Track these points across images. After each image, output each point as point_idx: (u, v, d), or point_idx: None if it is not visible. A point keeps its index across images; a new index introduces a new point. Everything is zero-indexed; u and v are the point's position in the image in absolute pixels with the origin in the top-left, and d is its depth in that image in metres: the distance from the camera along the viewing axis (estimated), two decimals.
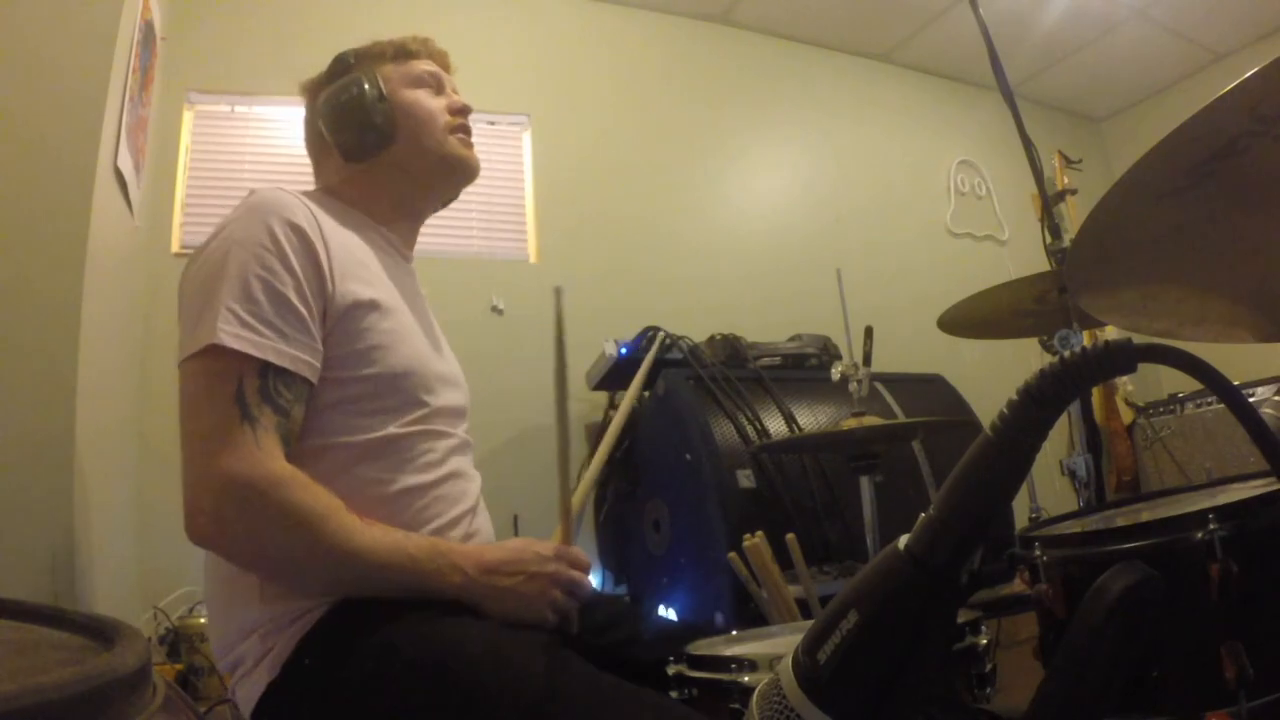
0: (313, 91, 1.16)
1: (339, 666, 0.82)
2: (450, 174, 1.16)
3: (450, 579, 0.88)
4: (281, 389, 0.88)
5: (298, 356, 0.89)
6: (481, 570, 0.90)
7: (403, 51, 1.16)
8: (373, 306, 0.97)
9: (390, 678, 0.80)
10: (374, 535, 0.86)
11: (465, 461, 1.07)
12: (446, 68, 1.21)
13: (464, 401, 1.13)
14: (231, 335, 0.85)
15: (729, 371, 2.17)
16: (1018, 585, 1.77)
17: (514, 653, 0.81)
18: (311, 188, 1.16)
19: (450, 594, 0.87)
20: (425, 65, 1.17)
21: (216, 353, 0.85)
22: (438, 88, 1.17)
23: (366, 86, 1.10)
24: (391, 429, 0.95)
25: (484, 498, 1.10)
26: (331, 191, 1.14)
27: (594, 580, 1.06)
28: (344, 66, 1.14)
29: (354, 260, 0.99)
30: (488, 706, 0.76)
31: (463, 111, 1.16)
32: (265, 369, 0.86)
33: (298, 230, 0.93)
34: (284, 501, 0.83)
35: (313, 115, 1.16)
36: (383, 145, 1.11)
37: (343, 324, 0.94)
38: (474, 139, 1.18)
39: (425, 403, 0.99)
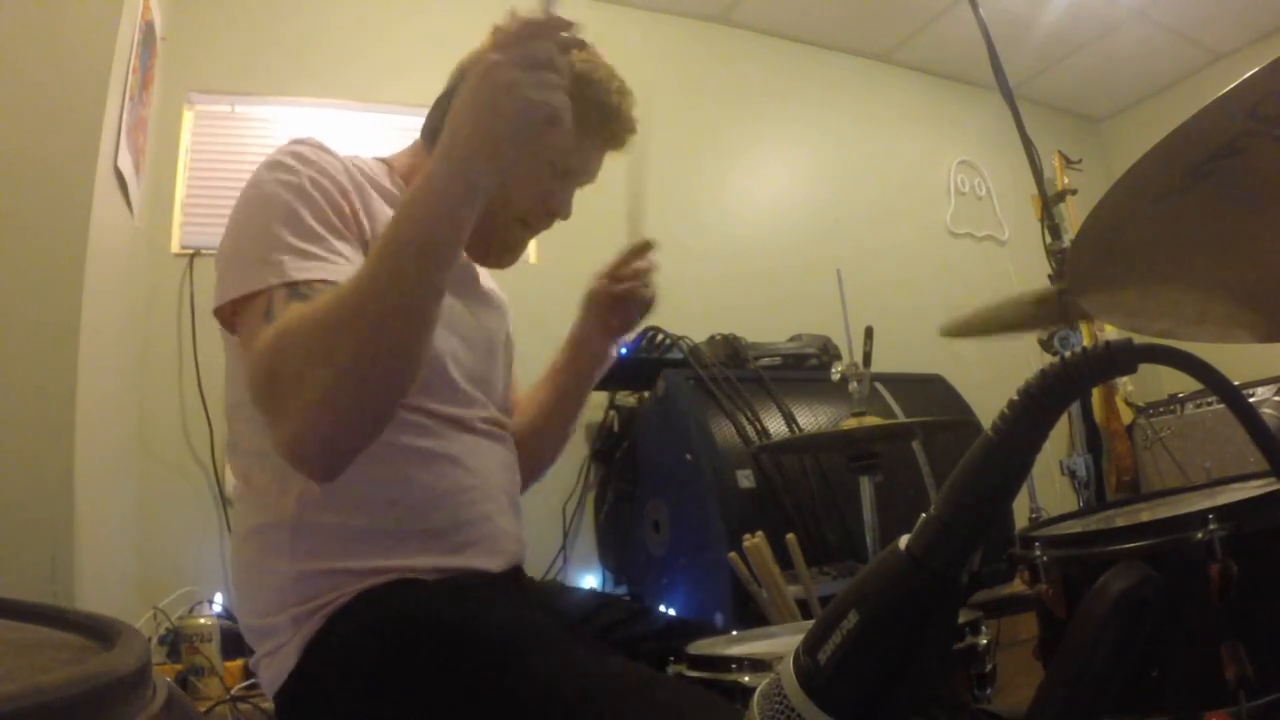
0: (459, 73, 1.08)
1: (362, 650, 0.82)
2: (482, 248, 1.09)
3: (444, 177, 0.78)
4: (316, 286, 0.83)
5: (324, 267, 0.85)
6: (451, 144, 0.80)
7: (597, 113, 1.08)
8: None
9: (411, 662, 0.80)
10: (363, 266, 0.80)
11: (472, 442, 1.00)
12: (619, 145, 1.15)
13: (483, 371, 1.06)
14: (265, 275, 0.83)
15: (729, 371, 2.17)
16: (1018, 585, 1.77)
17: (536, 641, 0.80)
18: None
19: (457, 175, 0.78)
20: (576, 157, 1.10)
21: (245, 298, 0.83)
22: (564, 174, 1.09)
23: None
24: None
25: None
26: (385, 159, 1.09)
27: None
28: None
29: (372, 199, 0.96)
30: (504, 693, 0.75)
31: (550, 215, 1.10)
32: (293, 284, 0.83)
33: (308, 161, 0.90)
34: (288, 336, 0.78)
35: (445, 91, 1.08)
36: None
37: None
38: None
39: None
